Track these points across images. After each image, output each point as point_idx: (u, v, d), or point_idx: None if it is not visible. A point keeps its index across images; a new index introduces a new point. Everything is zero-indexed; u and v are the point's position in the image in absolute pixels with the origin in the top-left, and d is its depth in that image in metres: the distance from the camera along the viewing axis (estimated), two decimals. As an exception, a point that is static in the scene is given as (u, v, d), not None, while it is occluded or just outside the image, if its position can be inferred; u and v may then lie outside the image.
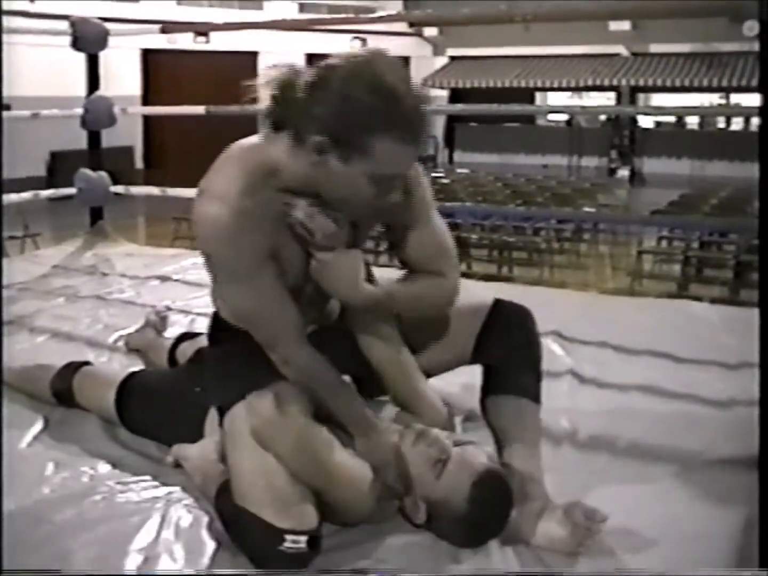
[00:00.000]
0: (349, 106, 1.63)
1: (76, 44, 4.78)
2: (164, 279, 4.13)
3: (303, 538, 1.68)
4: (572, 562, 1.76)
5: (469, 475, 1.78)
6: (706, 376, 2.81)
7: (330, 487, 1.78)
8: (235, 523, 1.77)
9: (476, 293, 2.21)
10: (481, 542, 1.81)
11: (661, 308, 3.78)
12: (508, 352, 2.04)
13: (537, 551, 1.79)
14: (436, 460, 1.80)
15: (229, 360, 1.98)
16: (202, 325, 3.11)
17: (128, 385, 2.35)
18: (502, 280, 6.99)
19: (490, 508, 1.79)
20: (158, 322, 3.13)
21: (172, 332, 3.10)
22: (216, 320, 2.11)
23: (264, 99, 1.77)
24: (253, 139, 1.84)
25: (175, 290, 3.93)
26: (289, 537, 1.67)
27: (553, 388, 2.66)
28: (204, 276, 4.05)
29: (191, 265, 4.39)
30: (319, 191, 1.75)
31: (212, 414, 2.07)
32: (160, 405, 2.27)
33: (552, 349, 3.04)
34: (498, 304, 2.08)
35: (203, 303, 3.59)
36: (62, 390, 2.46)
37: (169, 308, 3.37)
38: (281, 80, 1.73)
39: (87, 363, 2.58)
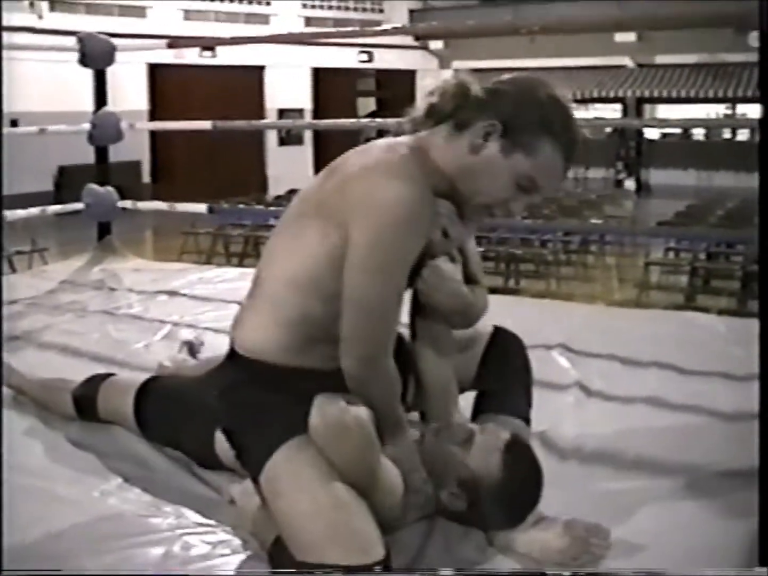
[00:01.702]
0: (533, 103, 1.74)
1: (84, 60, 4.80)
2: (172, 294, 4.14)
3: (377, 571, 1.62)
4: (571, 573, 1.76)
5: (497, 445, 1.82)
6: (713, 388, 2.80)
7: (373, 491, 1.76)
8: None
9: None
10: (521, 515, 1.83)
11: (668, 320, 3.78)
12: (507, 378, 2.12)
13: (537, 563, 1.79)
14: (462, 441, 1.83)
15: (251, 392, 1.87)
16: (210, 340, 3.14)
17: (147, 390, 2.38)
18: (508, 293, 6.99)
19: (523, 474, 1.83)
20: (197, 347, 3.07)
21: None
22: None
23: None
24: (400, 138, 1.87)
25: (183, 305, 3.93)
26: (361, 574, 1.61)
27: (559, 401, 2.68)
28: (211, 291, 4.12)
29: (198, 279, 4.40)
30: (461, 180, 1.77)
31: None
32: (176, 410, 2.29)
33: (558, 362, 3.04)
34: (497, 331, 2.16)
35: (212, 317, 3.61)
36: (86, 398, 2.47)
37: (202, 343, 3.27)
38: (461, 81, 1.82)
39: (112, 374, 2.59)
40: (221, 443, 2.11)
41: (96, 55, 4.82)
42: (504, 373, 2.12)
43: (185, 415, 2.26)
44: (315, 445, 1.73)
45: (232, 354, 1.95)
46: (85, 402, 2.48)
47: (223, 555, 1.83)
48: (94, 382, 2.51)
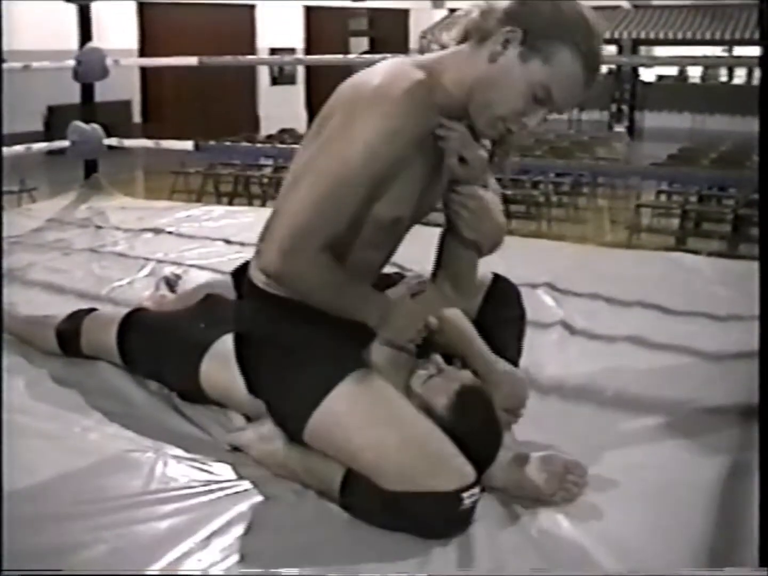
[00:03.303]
0: (555, 11, 1.67)
1: (66, -7, 4.73)
2: (158, 231, 4.13)
3: (476, 490, 1.65)
4: (547, 508, 1.76)
5: (449, 389, 1.77)
6: (695, 328, 2.81)
7: None
8: (397, 512, 1.65)
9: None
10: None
11: (655, 261, 3.78)
12: (503, 322, 2.10)
13: (516, 499, 1.79)
14: (426, 377, 1.81)
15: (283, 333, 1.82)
16: (194, 277, 3.13)
17: (130, 321, 2.38)
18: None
19: (473, 422, 1.77)
20: (174, 282, 3.07)
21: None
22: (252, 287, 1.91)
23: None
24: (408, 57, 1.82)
25: (168, 242, 3.92)
26: (465, 495, 1.63)
27: (542, 339, 2.68)
28: (197, 229, 4.11)
29: (185, 217, 4.39)
30: (476, 93, 1.70)
31: (210, 354, 2.10)
32: (160, 341, 2.29)
33: (543, 300, 3.04)
34: (497, 279, 2.13)
35: (196, 255, 3.61)
36: (69, 333, 2.47)
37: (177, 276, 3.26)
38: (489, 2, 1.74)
39: (95, 309, 2.59)
40: (207, 377, 2.12)
41: (79, -11, 4.75)
42: (499, 319, 2.09)
43: (170, 347, 2.26)
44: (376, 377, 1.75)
45: (253, 290, 1.88)
46: (69, 337, 2.48)
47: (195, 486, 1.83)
48: (78, 316, 2.52)
